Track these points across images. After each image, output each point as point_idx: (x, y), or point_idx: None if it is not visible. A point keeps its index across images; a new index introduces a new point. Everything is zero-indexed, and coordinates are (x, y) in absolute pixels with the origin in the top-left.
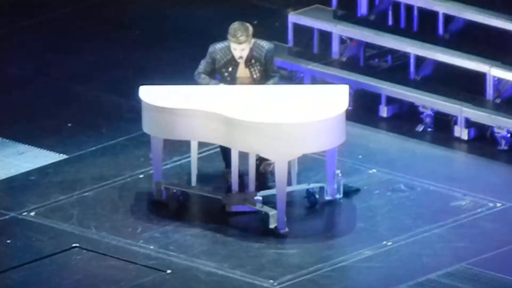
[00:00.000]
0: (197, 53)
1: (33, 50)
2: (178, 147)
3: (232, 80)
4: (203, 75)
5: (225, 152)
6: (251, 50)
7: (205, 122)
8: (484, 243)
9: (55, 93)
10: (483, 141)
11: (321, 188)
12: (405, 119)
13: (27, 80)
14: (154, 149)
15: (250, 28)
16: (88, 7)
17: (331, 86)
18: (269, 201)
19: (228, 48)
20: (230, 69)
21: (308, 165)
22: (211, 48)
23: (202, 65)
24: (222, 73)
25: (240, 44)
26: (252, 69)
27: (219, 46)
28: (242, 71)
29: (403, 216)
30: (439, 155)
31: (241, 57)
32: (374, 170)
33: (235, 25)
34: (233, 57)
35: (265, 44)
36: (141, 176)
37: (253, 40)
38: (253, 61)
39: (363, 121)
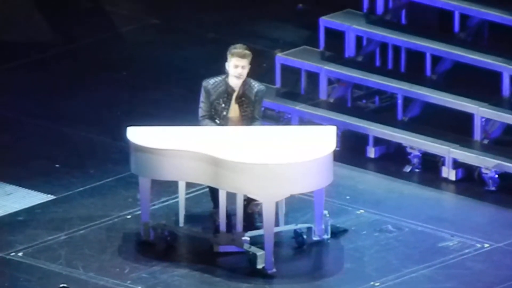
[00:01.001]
0: (184, 93)
1: (21, 91)
2: (166, 187)
3: (226, 113)
4: (206, 121)
5: (213, 192)
6: (243, 86)
7: (193, 163)
8: (472, 284)
9: (43, 134)
10: (471, 181)
11: (309, 229)
12: (392, 159)
13: (15, 121)
14: (142, 189)
15: (250, 52)
16: (76, 48)
17: (319, 127)
18: (257, 242)
19: (221, 81)
20: (222, 102)
21: (296, 205)
22: (204, 83)
23: (201, 107)
24: (215, 106)
25: (242, 59)
26: (242, 107)
27: (212, 80)
28: (233, 110)
29: (391, 256)
30: (427, 196)
31: (241, 75)
32: (362, 211)
33: (234, 45)
34: (226, 89)
35: (257, 84)
36: (129, 216)
37: (246, 78)
38: (243, 99)
39: (350, 162)
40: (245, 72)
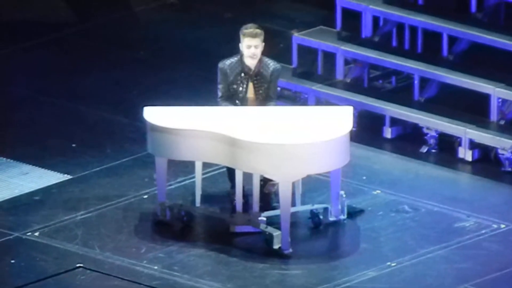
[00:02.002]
0: (201, 73)
1: (37, 70)
2: (183, 167)
3: (243, 94)
4: (224, 102)
5: (231, 172)
6: (259, 65)
7: (210, 143)
8: (488, 264)
9: (60, 113)
10: (487, 162)
11: (325, 209)
12: (409, 140)
13: (31, 100)
14: (159, 169)
15: (262, 30)
16: (93, 27)
17: (335, 108)
18: (273, 222)
19: (236, 61)
20: (240, 84)
21: (312, 186)
22: (220, 64)
23: (219, 88)
24: (233, 88)
25: (254, 38)
26: (257, 86)
27: (227, 61)
28: (250, 89)
29: (407, 237)
30: (443, 177)
31: (255, 55)
32: (378, 191)
33: (245, 25)
34: (242, 69)
35: (272, 63)
36: (145, 196)
37: (262, 57)
38: (259, 77)
39: (367, 142)
40: (258, 51)
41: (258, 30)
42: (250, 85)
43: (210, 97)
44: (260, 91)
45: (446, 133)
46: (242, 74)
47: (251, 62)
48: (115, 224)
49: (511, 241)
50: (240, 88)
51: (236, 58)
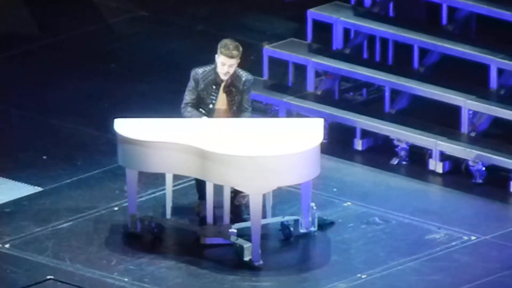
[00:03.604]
0: (172, 85)
1: (9, 82)
2: (153, 179)
3: (213, 103)
4: (189, 108)
5: (200, 184)
6: (231, 76)
7: (180, 155)
8: (459, 276)
9: (31, 125)
10: (458, 174)
11: (296, 221)
12: (380, 152)
13: (2, 113)
14: (129, 181)
15: (240, 47)
16: (64, 40)
17: (306, 119)
18: (243, 234)
19: (210, 70)
20: (211, 91)
21: (283, 198)
22: (192, 72)
23: (187, 94)
24: (204, 96)
25: (230, 58)
26: (230, 97)
27: (201, 69)
28: (221, 100)
29: (378, 249)
30: (414, 188)
31: (227, 73)
32: (349, 203)
33: (226, 40)
34: (214, 79)
35: (244, 74)
36: (116, 208)
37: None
38: (231, 88)
39: (338, 154)
40: (232, 69)
41: (235, 52)
42: (222, 96)
43: (180, 109)
44: (233, 102)
45: (417, 145)
46: (214, 86)
47: (224, 77)
48: (86, 236)
49: (482, 253)
50: (210, 97)
51: (210, 67)
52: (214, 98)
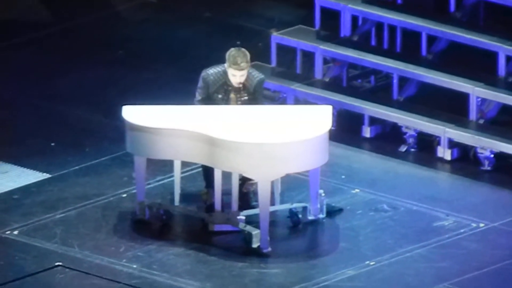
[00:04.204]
0: (180, 72)
1: (17, 70)
2: (162, 166)
3: (224, 104)
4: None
5: (207, 172)
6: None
7: (189, 142)
8: (467, 263)
9: (39, 113)
10: (466, 161)
11: (304, 208)
12: (388, 139)
13: (11, 100)
14: (138, 168)
15: (248, 54)
16: (72, 27)
17: (314, 107)
18: (252, 221)
19: (221, 73)
20: (222, 93)
21: (291, 185)
22: (203, 73)
23: (198, 92)
24: (215, 98)
25: (241, 71)
26: (238, 96)
27: (211, 71)
28: (232, 101)
29: (386, 236)
30: (422, 175)
31: (240, 83)
32: (357, 190)
33: (233, 52)
34: (225, 82)
35: (257, 74)
36: (124, 195)
37: None
38: (241, 88)
39: (346, 142)
40: (243, 78)
41: (244, 64)
42: (232, 96)
43: (189, 96)
44: (240, 102)
45: (425, 132)
46: (225, 88)
47: (237, 85)
48: (94, 223)
49: (490, 240)
50: (221, 99)
51: (220, 69)
52: (225, 99)
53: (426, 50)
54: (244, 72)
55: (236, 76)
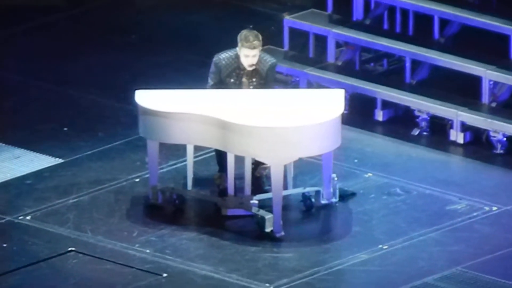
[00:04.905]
0: (193, 57)
1: (29, 54)
2: (174, 151)
3: (237, 88)
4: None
5: (220, 156)
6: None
7: (201, 126)
8: (480, 247)
9: (51, 97)
10: (478, 144)
11: (317, 192)
12: (400, 123)
13: (23, 85)
14: (150, 153)
15: (259, 35)
16: (84, 11)
17: (327, 90)
18: (265, 205)
19: (233, 57)
20: (235, 78)
21: (304, 169)
22: (215, 58)
23: (210, 77)
24: (228, 82)
25: (253, 49)
26: (251, 80)
27: (223, 55)
28: (244, 85)
29: (399, 220)
30: (435, 159)
31: (252, 65)
32: (370, 174)
33: (244, 32)
34: (238, 66)
35: (269, 59)
36: (137, 180)
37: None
38: (254, 73)
39: (358, 125)
40: (256, 59)
41: (257, 42)
42: (244, 80)
43: (201, 80)
44: (252, 86)
45: (437, 116)
46: (237, 71)
47: (249, 68)
48: (107, 208)
49: (503, 224)
50: (233, 83)
51: (232, 53)
52: (237, 83)
53: (438, 34)
54: (256, 52)
55: (249, 57)
